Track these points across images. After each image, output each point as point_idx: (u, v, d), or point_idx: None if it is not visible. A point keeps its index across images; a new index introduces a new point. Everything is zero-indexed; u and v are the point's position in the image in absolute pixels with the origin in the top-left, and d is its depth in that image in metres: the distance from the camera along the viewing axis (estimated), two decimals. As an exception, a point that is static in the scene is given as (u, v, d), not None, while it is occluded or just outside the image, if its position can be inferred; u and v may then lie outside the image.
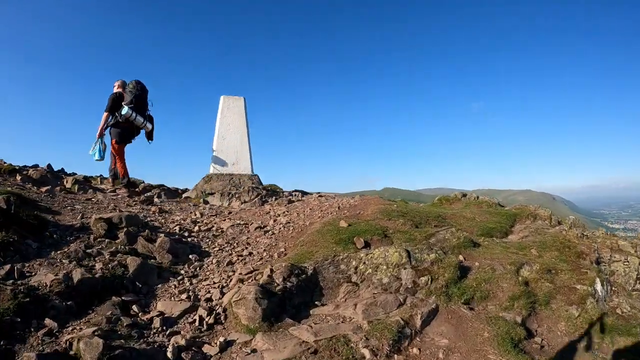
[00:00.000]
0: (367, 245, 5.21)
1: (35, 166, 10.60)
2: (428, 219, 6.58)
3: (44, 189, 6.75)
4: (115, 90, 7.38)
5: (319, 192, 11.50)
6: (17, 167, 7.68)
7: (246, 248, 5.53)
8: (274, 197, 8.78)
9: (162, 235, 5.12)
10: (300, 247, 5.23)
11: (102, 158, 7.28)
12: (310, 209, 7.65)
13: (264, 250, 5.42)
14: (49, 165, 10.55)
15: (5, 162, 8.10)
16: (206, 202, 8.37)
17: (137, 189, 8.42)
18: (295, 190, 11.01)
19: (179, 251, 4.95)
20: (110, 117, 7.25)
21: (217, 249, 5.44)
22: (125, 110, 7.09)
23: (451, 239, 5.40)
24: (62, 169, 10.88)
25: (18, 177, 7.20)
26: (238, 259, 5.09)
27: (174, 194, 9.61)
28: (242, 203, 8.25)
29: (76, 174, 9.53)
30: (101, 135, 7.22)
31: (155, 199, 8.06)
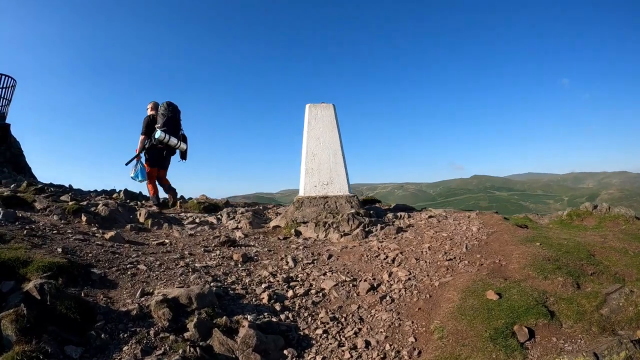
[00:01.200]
0: (531, 335, 3.45)
1: (110, 193, 9.94)
2: (582, 264, 4.83)
3: (109, 234, 5.57)
4: (149, 112, 7.67)
5: (424, 209, 9.36)
6: (82, 205, 6.70)
7: (359, 330, 3.73)
8: (378, 225, 6.86)
9: (246, 323, 3.44)
10: (439, 340, 3.46)
11: (144, 179, 7.61)
12: (428, 247, 5.70)
13: (385, 337, 3.59)
14: (126, 192, 9.80)
15: (69, 201, 7.26)
16: (298, 234, 6.73)
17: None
18: (399, 209, 9.02)
19: (269, 346, 3.25)
20: (147, 141, 7.48)
21: (320, 331, 3.65)
22: (158, 133, 7.27)
23: (627, 306, 3.68)
24: (140, 192, 10.06)
25: (84, 219, 6.15)
26: (350, 357, 3.29)
27: (260, 217, 8.18)
28: (341, 236, 6.45)
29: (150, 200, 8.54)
30: (139, 158, 7.51)
31: (238, 234, 6.61)
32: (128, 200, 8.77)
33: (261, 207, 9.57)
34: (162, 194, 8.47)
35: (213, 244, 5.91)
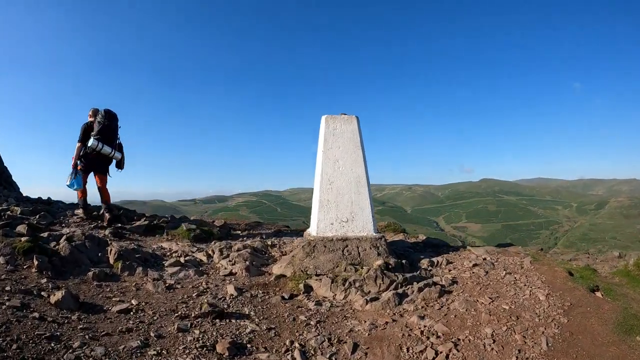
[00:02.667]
0: None
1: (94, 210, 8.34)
2: None
3: (56, 295, 3.98)
4: (89, 119, 7.51)
5: (463, 248, 7.69)
6: (38, 242, 5.13)
7: None
8: (414, 285, 5.19)
9: None
10: None
11: (80, 188, 7.44)
12: (491, 335, 4.04)
13: None
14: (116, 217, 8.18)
15: (25, 234, 5.69)
16: (308, 290, 5.12)
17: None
18: (431, 247, 7.40)
19: None
20: (82, 149, 7.29)
21: None
22: (91, 142, 7.11)
23: None
24: (121, 213, 8.44)
25: (35, 264, 4.62)
26: None
27: (261, 256, 6.59)
28: (366, 301, 4.80)
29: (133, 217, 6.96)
30: (75, 166, 7.29)
31: (229, 291, 5.00)
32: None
33: (264, 238, 8.00)
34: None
35: (194, 313, 4.31)
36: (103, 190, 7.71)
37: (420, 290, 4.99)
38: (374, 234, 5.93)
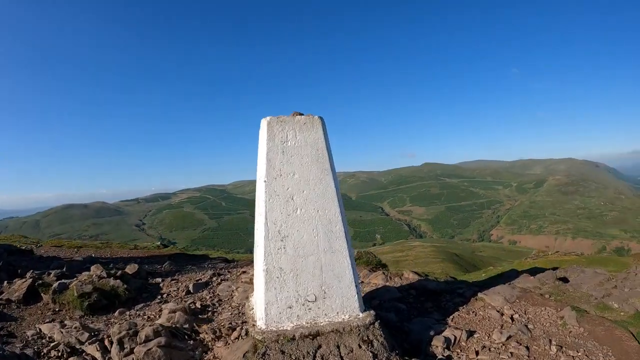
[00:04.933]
0: None
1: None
2: None
3: None
4: None
5: (475, 297, 5.59)
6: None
7: None
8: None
9: None
10: None
11: None
12: None
13: None
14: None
15: None
16: None
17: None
18: (432, 306, 5.19)
19: None
20: None
21: None
22: None
23: None
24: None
25: None
26: None
27: (184, 350, 3.96)
28: None
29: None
30: None
31: None
32: None
33: (193, 291, 5.40)
34: None
35: None
36: None
37: None
38: (362, 316, 3.50)
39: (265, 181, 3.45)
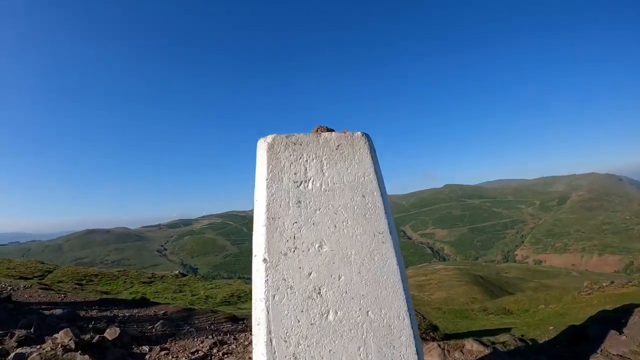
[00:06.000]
0: None
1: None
2: None
3: None
4: None
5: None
6: None
7: None
8: None
9: None
10: None
11: None
12: None
13: None
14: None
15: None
16: None
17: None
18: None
19: None
20: None
21: None
22: None
23: None
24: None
25: None
26: None
27: None
28: None
29: None
30: None
31: None
32: None
33: None
34: None
35: None
36: None
37: None
38: None
39: (265, 260, 1.78)
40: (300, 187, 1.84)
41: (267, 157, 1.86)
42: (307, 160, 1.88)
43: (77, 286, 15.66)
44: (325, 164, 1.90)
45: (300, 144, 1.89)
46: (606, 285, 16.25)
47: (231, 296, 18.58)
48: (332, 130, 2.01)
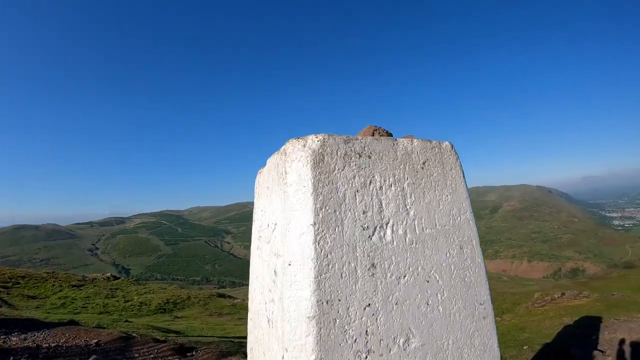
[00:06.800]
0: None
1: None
2: None
3: None
4: None
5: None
6: None
7: None
8: None
9: None
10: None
11: None
12: None
13: None
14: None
15: None
16: None
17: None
18: None
19: None
20: None
21: None
22: None
23: None
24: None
25: None
26: None
27: None
28: None
29: None
30: None
31: None
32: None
33: None
34: None
35: None
36: None
37: None
38: None
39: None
40: (374, 238, 1.01)
41: (314, 179, 0.99)
42: (381, 188, 1.05)
43: (1, 289, 13.83)
44: (409, 195, 1.08)
45: (369, 156, 1.05)
46: (558, 297, 16.85)
47: (166, 302, 17.07)
48: (410, 137, 1.19)
